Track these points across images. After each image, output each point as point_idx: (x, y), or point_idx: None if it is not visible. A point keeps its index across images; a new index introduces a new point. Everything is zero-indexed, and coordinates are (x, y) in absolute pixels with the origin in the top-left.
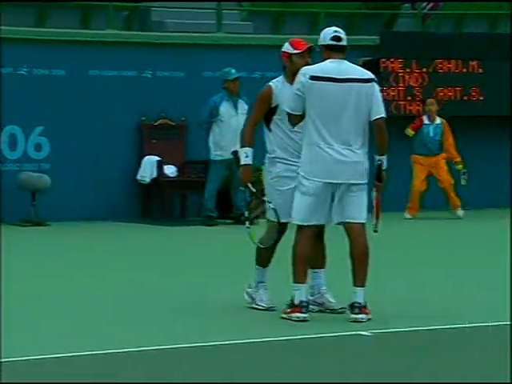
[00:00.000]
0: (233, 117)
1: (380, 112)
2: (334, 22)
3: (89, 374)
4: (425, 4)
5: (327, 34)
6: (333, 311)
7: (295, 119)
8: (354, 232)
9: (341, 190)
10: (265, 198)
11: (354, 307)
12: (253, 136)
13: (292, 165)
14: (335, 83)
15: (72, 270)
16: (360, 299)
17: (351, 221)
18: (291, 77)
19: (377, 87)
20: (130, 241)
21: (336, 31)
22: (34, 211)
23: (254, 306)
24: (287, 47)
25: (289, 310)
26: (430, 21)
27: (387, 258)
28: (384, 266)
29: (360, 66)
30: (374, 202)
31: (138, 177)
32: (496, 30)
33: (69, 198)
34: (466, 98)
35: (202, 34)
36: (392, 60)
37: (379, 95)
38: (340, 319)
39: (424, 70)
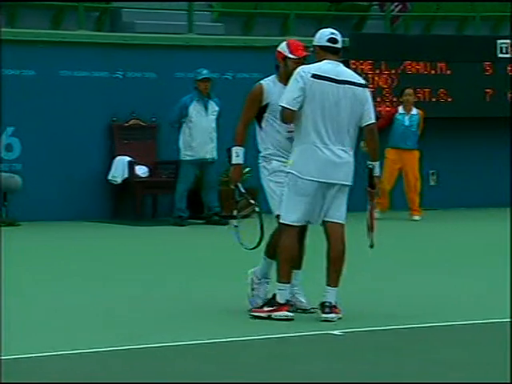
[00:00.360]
0: (203, 117)
1: (372, 117)
2: (305, 24)
3: (57, 374)
4: (393, 6)
5: (324, 35)
6: (304, 311)
7: (290, 116)
8: (336, 232)
9: (334, 190)
10: (252, 201)
11: (325, 306)
12: (244, 135)
13: (285, 162)
14: (334, 84)
15: (43, 270)
16: (331, 299)
17: (334, 221)
18: (284, 78)
19: (369, 93)
20: (102, 241)
21: (333, 33)
22: (6, 211)
23: (251, 294)
24: (284, 48)
25: (270, 309)
26: (399, 23)
27: (359, 257)
28: (355, 266)
29: None
30: (369, 214)
31: (110, 177)
32: (463, 33)
33: (40, 198)
34: (434, 99)
35: (173, 35)
36: (361, 61)
37: (371, 101)
38: (310, 319)
39: (393, 71)
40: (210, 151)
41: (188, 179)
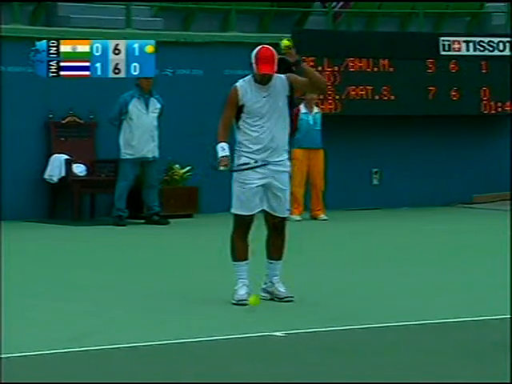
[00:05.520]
0: (143, 115)
1: None
2: (246, 20)
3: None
4: (335, 3)
5: None
6: (280, 300)
7: None
8: None
9: None
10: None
11: None
12: (226, 134)
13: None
14: None
15: None
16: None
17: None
18: (258, 78)
19: None
20: (39, 241)
21: None
22: None
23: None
24: (253, 57)
25: None
26: (341, 19)
27: (296, 260)
28: (294, 268)
29: None
30: None
31: (46, 176)
32: (405, 29)
33: None
34: (377, 97)
35: (110, 30)
36: (304, 58)
37: None
38: (254, 320)
39: (336, 68)
40: (151, 150)
41: (128, 178)
